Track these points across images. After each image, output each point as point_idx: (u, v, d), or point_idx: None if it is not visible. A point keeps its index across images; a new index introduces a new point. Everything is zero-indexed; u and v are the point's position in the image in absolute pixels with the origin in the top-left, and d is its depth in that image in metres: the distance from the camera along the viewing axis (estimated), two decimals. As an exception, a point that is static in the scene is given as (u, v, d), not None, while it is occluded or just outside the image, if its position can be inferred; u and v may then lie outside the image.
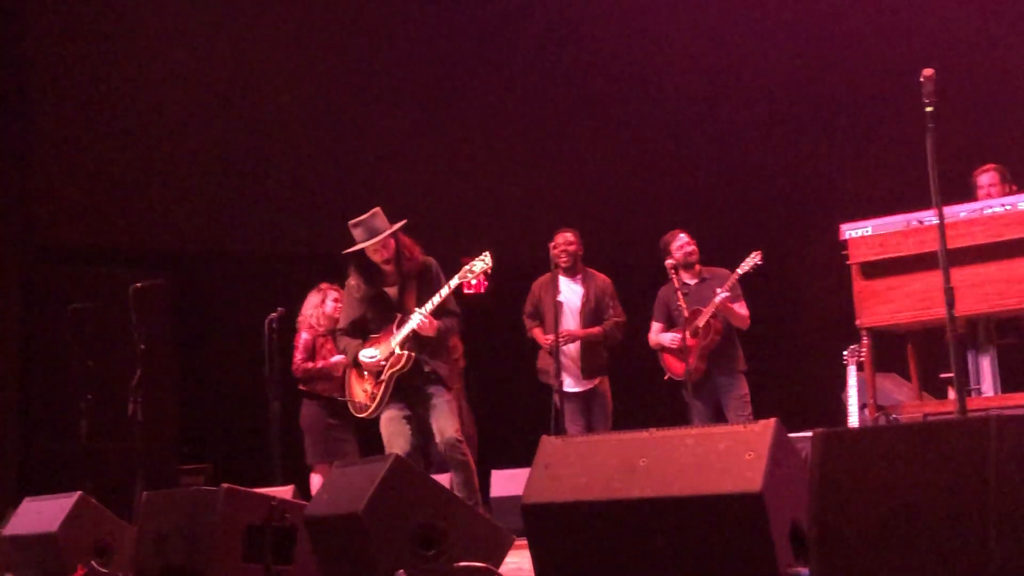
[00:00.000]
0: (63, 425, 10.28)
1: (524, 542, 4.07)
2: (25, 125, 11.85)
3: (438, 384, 7.13)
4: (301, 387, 8.91)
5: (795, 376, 11.70)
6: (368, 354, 7.12)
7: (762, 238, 8.70)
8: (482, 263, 7.01)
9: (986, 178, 8.48)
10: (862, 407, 7.87)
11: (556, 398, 8.43)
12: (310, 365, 8.86)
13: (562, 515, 3.83)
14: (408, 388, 7.11)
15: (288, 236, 12.54)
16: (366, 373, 7.18)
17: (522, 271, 9.53)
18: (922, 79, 5.81)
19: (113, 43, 12.29)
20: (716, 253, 8.97)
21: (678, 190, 12.70)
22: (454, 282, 7.00)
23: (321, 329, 8.93)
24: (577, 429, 8.75)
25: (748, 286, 8.71)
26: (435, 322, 7.01)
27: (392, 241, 7.13)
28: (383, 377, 7.08)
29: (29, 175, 11.91)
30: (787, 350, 12.05)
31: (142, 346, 8.09)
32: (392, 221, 7.12)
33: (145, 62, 12.31)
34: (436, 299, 7.01)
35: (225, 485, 5.32)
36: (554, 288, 8.68)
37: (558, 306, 8.59)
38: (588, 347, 8.89)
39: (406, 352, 7.03)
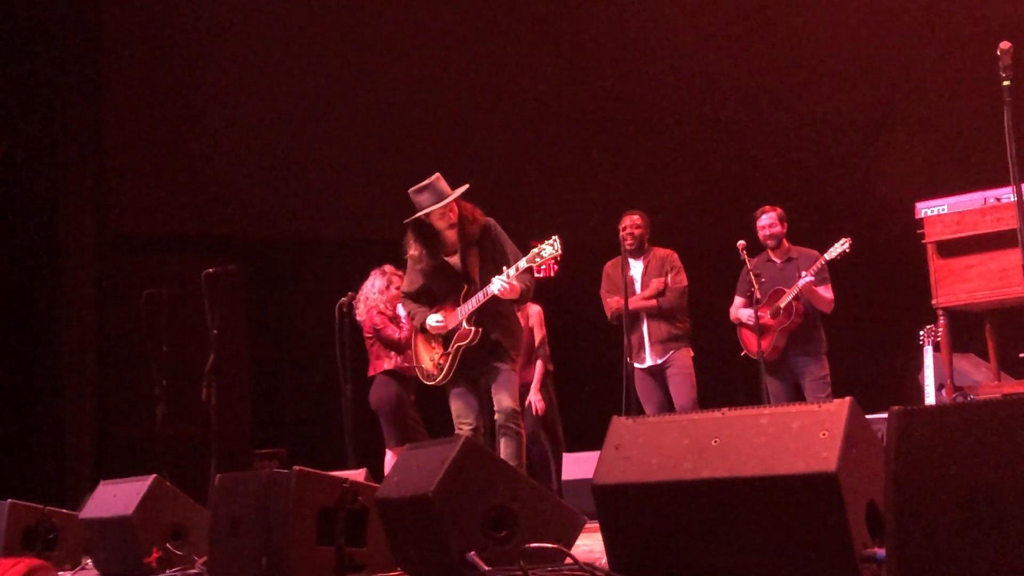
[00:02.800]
0: (139, 410, 10.38)
1: (595, 525, 4.05)
2: (100, 117, 11.98)
3: (503, 355, 7.14)
4: (386, 367, 8.88)
5: (871, 357, 11.58)
6: (435, 319, 7.14)
7: (839, 216, 8.59)
8: (551, 248, 6.87)
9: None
10: (939, 387, 7.77)
11: (628, 378, 8.40)
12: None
13: (633, 496, 3.80)
14: (474, 360, 7.12)
15: (358, 222, 12.58)
16: (433, 341, 7.20)
17: (596, 253, 9.50)
18: (999, 52, 5.70)
19: (187, 34, 12.39)
20: (795, 232, 8.87)
21: (762, 168, 12.60)
22: (522, 264, 6.92)
23: (389, 313, 8.97)
24: (652, 407, 8.71)
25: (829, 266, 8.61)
26: (516, 285, 6.93)
27: (455, 205, 7.12)
28: (450, 349, 7.10)
29: (103, 165, 12.05)
30: (863, 330, 11.91)
31: (215, 331, 8.14)
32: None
33: (218, 52, 12.40)
34: (516, 267, 6.91)
35: (297, 468, 5.34)
36: (624, 269, 8.68)
37: (628, 286, 8.61)
38: (654, 321, 8.85)
39: (474, 328, 7.04)
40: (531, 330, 9.61)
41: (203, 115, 12.42)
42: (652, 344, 8.84)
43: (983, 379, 8.47)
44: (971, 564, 2.85)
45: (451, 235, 7.16)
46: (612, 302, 8.94)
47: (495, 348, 7.12)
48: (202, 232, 12.48)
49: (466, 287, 7.11)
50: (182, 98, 12.39)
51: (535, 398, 9.56)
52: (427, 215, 7.08)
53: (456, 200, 7.12)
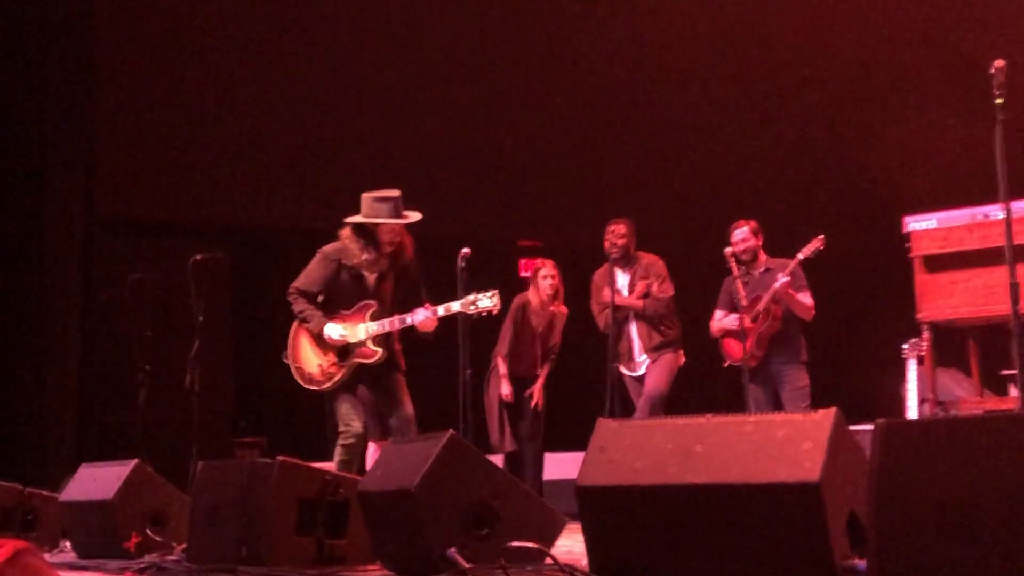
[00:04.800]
0: (121, 394, 10.38)
1: (576, 525, 4.07)
2: (89, 100, 11.96)
3: (398, 366, 7.31)
4: None
5: (854, 369, 11.62)
6: (337, 331, 7.17)
7: (825, 229, 8.61)
8: (488, 302, 7.03)
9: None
10: (921, 402, 7.80)
11: (612, 380, 8.42)
12: None
13: (616, 498, 3.82)
14: (366, 374, 7.25)
15: (346, 213, 12.56)
16: (326, 347, 7.24)
17: (583, 257, 9.55)
18: (992, 70, 5.74)
19: (180, 20, 12.36)
20: (780, 244, 8.90)
21: (745, 182, 12.63)
22: (455, 306, 7.08)
23: None
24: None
25: (810, 276, 8.63)
26: (435, 323, 7.16)
27: (403, 229, 7.26)
28: (347, 363, 7.18)
29: (92, 148, 12.02)
30: (846, 342, 11.95)
31: (200, 318, 8.14)
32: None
33: (211, 39, 12.38)
34: (447, 307, 7.10)
35: (280, 458, 5.35)
36: (611, 278, 8.72)
37: (615, 295, 8.65)
38: (643, 327, 8.90)
39: (381, 350, 7.16)
40: (554, 329, 9.63)
41: (194, 101, 12.40)
42: (641, 353, 8.90)
43: (965, 395, 8.51)
44: (951, 577, 2.89)
45: (384, 253, 7.24)
46: (601, 311, 9.00)
47: (392, 362, 7.28)
48: (190, 218, 12.46)
49: (376, 307, 7.20)
50: (174, 84, 12.36)
51: (538, 394, 9.52)
52: (378, 226, 7.18)
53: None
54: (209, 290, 8.56)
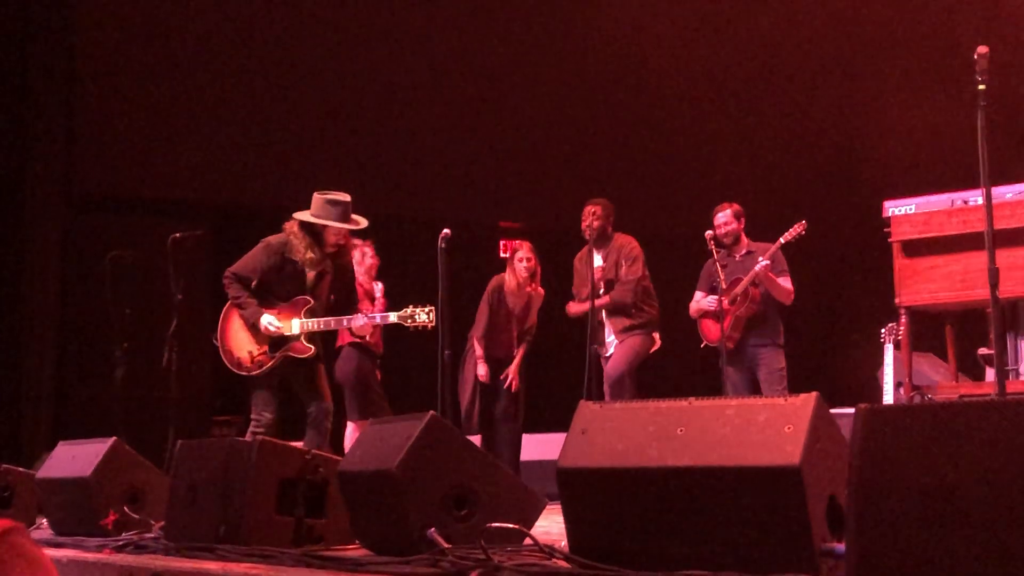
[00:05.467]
0: (99, 371, 10.34)
1: (555, 506, 4.07)
2: (69, 76, 11.89)
3: (319, 360, 7.57)
4: (357, 339, 8.90)
5: (832, 352, 11.66)
6: (273, 323, 7.35)
7: (806, 213, 8.64)
8: (425, 316, 7.39)
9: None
10: (897, 385, 7.84)
11: (591, 361, 8.45)
12: None
13: (597, 480, 3.82)
14: (291, 365, 7.48)
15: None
16: (258, 335, 7.44)
17: (561, 237, 9.55)
18: (976, 56, 5.75)
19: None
20: (762, 228, 8.93)
21: (727, 165, 12.65)
22: (392, 317, 7.45)
23: (366, 287, 9.01)
24: None
25: (790, 260, 8.66)
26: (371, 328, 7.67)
27: (347, 235, 7.61)
28: (278, 354, 7.39)
29: (71, 125, 11.96)
30: (824, 325, 11.99)
31: (179, 296, 8.14)
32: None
33: (191, 18, 12.32)
34: (385, 316, 7.59)
35: (260, 437, 5.34)
36: (589, 260, 8.76)
37: (593, 277, 8.68)
38: (613, 312, 8.94)
39: (313, 347, 7.44)
40: (531, 310, 9.60)
41: (175, 80, 12.34)
42: (610, 334, 8.94)
43: (941, 379, 8.55)
44: (930, 562, 2.90)
45: (327, 254, 7.49)
46: (574, 307, 9.08)
47: (317, 355, 7.54)
48: (169, 196, 12.42)
49: (312, 304, 7.41)
50: (154, 61, 12.30)
51: (514, 375, 9.49)
52: (325, 227, 7.41)
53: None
54: (188, 268, 8.54)
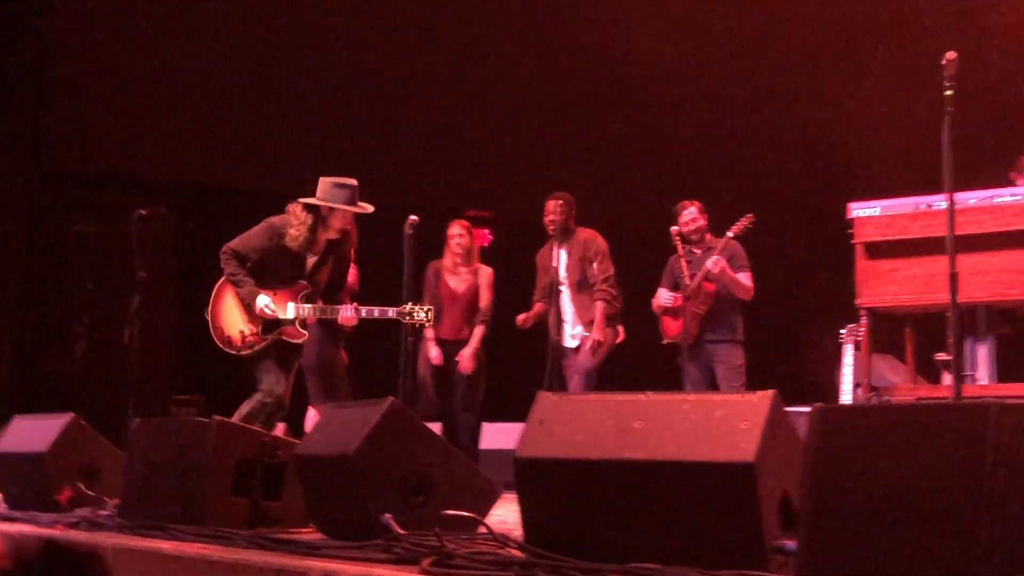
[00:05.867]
0: (59, 346, 10.29)
1: (512, 495, 4.09)
2: (38, 51, 11.82)
3: (299, 351, 7.59)
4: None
5: (791, 350, 11.72)
6: (269, 305, 7.31)
7: (770, 212, 8.69)
8: (424, 315, 7.42)
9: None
10: (856, 386, 7.89)
11: (552, 352, 8.46)
12: None
13: (553, 471, 3.84)
14: (281, 349, 7.44)
15: (291, 175, 12.51)
16: (251, 315, 7.39)
17: (530, 228, 9.56)
18: (944, 62, 5.79)
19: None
20: (723, 226, 8.96)
21: (691, 161, 12.68)
22: (391, 313, 7.43)
23: None
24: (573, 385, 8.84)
25: (753, 257, 8.70)
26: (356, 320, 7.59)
27: (353, 219, 7.62)
28: (270, 336, 7.34)
29: (39, 100, 11.89)
30: (785, 324, 12.05)
31: (142, 273, 8.09)
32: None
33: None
34: (381, 310, 7.50)
35: (217, 418, 5.33)
36: (555, 256, 8.77)
37: (554, 275, 8.69)
38: (580, 301, 8.95)
39: (306, 333, 7.45)
40: (478, 289, 9.53)
41: (143, 56, 12.27)
42: (576, 325, 8.93)
43: (900, 381, 8.61)
44: (880, 561, 2.93)
45: (329, 238, 7.43)
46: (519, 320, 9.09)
47: (302, 345, 7.56)
48: (135, 173, 12.35)
49: (310, 290, 7.40)
50: (122, 36, 12.23)
51: (468, 359, 9.44)
52: (332, 211, 7.35)
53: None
54: (152, 246, 8.50)
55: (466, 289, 9.47)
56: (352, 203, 7.34)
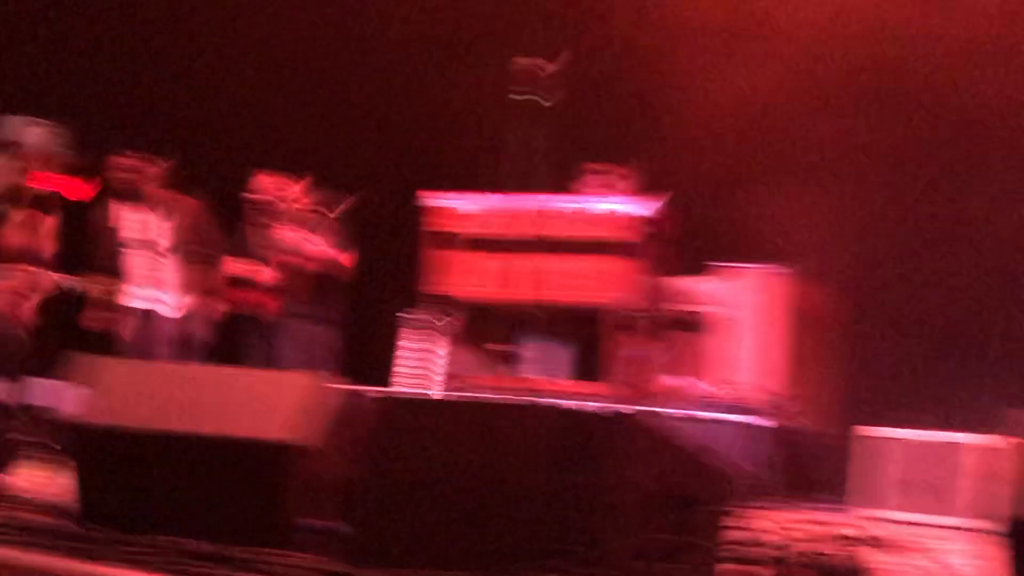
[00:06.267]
0: None
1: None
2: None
3: None
4: None
5: (362, 332, 11.83)
6: None
7: (356, 190, 8.68)
8: None
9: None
10: (420, 373, 8.03)
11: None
12: None
13: (103, 439, 3.73)
14: None
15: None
16: None
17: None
18: (514, 69, 5.93)
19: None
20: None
21: (292, 132, 12.56)
22: None
23: None
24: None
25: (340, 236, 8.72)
26: None
27: None
28: None
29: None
30: (365, 306, 12.14)
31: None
32: None
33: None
34: None
35: None
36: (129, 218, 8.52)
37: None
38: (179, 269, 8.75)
39: None
40: None
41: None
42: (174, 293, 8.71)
43: (466, 371, 8.79)
44: (416, 545, 3.08)
45: None
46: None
47: None
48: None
49: None
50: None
51: None
52: None
53: None
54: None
55: None
56: None
